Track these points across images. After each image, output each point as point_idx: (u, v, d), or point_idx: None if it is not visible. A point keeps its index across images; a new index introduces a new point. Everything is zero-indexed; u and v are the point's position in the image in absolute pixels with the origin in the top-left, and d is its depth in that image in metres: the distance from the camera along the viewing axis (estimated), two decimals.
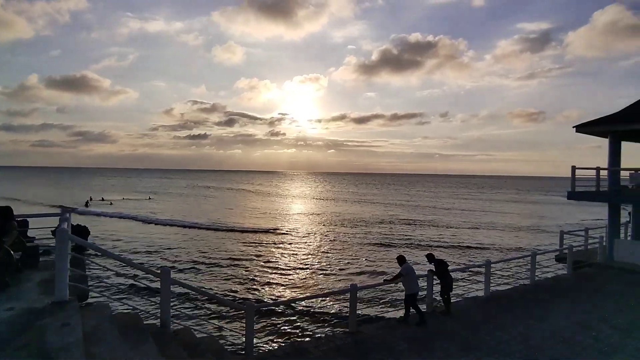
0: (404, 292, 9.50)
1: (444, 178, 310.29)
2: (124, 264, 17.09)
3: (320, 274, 21.81)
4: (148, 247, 27.73)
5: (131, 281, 16.95)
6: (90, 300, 7.94)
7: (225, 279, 19.85)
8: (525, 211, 62.89)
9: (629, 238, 17.92)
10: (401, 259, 9.45)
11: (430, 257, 10.03)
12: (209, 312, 14.31)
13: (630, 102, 17.44)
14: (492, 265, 12.18)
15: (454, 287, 10.19)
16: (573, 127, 17.65)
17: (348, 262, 24.62)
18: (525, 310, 10.36)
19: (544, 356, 7.73)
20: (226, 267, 22.20)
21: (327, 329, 12.90)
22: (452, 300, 10.22)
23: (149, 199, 70.59)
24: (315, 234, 36.86)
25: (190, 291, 14.79)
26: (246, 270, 21.69)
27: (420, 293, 9.47)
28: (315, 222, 45.16)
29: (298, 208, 62.38)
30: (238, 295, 17.13)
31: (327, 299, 15.17)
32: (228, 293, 17.50)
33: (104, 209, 50.57)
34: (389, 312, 14.32)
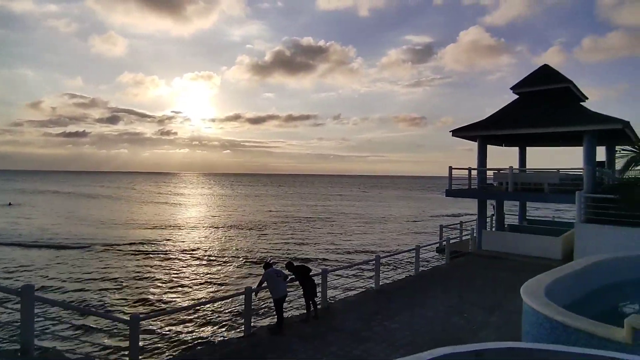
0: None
1: (339, 178, 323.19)
2: None
3: (213, 279, 21.02)
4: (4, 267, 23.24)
5: None
6: None
7: (105, 295, 17.88)
8: (412, 208, 68.56)
9: (493, 229, 20.65)
10: (266, 265, 9.24)
11: (288, 266, 9.66)
12: (88, 330, 12.85)
13: (494, 111, 20.11)
14: (381, 259, 12.98)
15: (318, 291, 9.85)
16: (450, 131, 19.77)
17: (241, 266, 24.10)
18: (410, 300, 11.24)
19: (425, 339, 8.45)
20: (105, 282, 20.01)
21: (221, 335, 12.48)
22: (318, 303, 9.95)
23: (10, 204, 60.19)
24: (204, 238, 35.44)
25: (63, 309, 13.17)
26: (129, 284, 19.81)
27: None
28: (204, 226, 43.25)
29: (186, 213, 59.08)
30: (122, 309, 15.70)
31: (221, 304, 14.63)
32: (110, 308, 15.92)
33: None
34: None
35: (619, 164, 15.62)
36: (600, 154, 19.98)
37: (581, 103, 19.34)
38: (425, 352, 2.92)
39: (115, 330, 12.09)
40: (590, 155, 16.34)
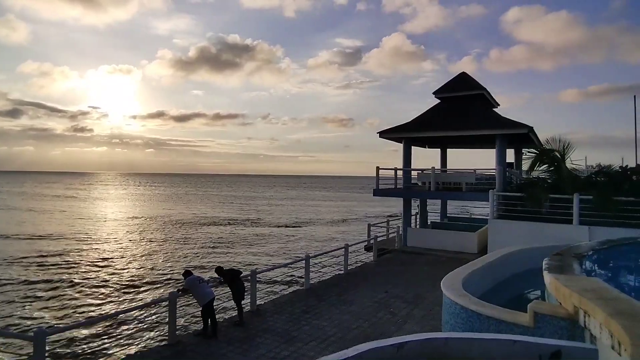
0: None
1: (269, 178, 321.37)
2: None
3: (136, 284, 19.77)
4: None
5: None
6: None
7: (7, 309, 16.03)
8: (341, 207, 70.14)
9: (418, 226, 21.75)
10: (186, 273, 8.99)
11: (217, 270, 9.59)
12: None
13: (417, 114, 21.19)
14: (311, 259, 13.06)
15: (245, 295, 9.61)
16: (377, 132, 20.48)
17: (163, 270, 22.92)
18: (338, 297, 11.43)
19: (353, 335, 8.63)
20: (9, 292, 17.99)
21: (144, 344, 11.75)
22: (245, 305, 9.78)
23: None
24: (123, 240, 33.27)
25: None
26: (37, 292, 17.99)
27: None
28: (122, 229, 40.62)
29: (102, 215, 55.21)
30: (27, 324, 14.16)
31: (142, 312, 13.75)
32: (11, 323, 14.29)
33: None
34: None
35: (525, 164, 17.22)
36: (510, 156, 21.95)
37: (494, 109, 21.08)
38: (350, 349, 2.94)
39: (17, 348, 10.83)
40: (501, 157, 17.83)
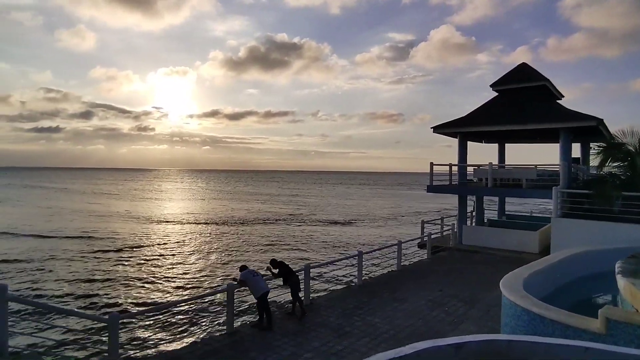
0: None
1: (321, 174, 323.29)
2: None
3: (194, 277, 20.82)
4: None
5: None
6: None
7: (85, 293, 17.52)
8: (394, 204, 69.20)
9: (473, 224, 21.02)
10: (242, 268, 9.29)
11: (272, 262, 9.79)
12: (65, 330, 12.55)
13: (474, 108, 20.40)
14: (364, 255, 13.06)
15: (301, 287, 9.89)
16: (431, 128, 19.98)
17: (225, 263, 23.96)
18: (391, 294, 11.35)
19: (406, 333, 8.56)
20: (86, 280, 19.64)
21: (204, 332, 12.38)
22: (302, 298, 9.91)
23: None
24: (188, 234, 35.08)
25: (38, 309, 12.81)
26: (110, 280, 19.51)
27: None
28: (189, 222, 42.88)
29: (167, 209, 58.48)
30: (102, 308, 15.41)
31: (202, 302, 14.46)
32: (91, 306, 15.62)
33: None
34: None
35: (593, 160, 16.05)
36: (576, 150, 20.55)
37: (557, 101, 19.81)
38: (406, 346, 2.94)
39: (94, 330, 11.84)
40: (566, 152, 16.75)
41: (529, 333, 4.98)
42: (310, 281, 11.08)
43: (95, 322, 11.58)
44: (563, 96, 20.63)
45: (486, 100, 20.22)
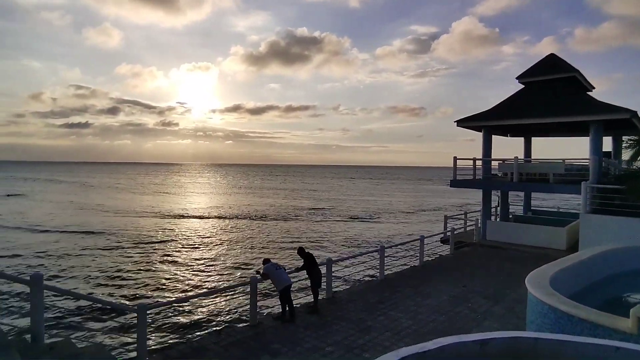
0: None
1: (342, 168, 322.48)
2: None
3: (219, 268, 21.22)
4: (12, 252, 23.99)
5: None
6: None
7: (113, 285, 18.14)
8: (416, 198, 68.47)
9: (498, 219, 20.61)
10: (265, 261, 9.36)
11: (300, 251, 9.94)
12: (96, 319, 13.04)
13: (496, 102, 19.93)
14: (385, 250, 13.01)
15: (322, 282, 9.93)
16: (455, 121, 19.64)
17: (248, 256, 24.29)
18: (414, 289, 11.29)
19: (428, 328, 8.51)
20: (114, 272, 20.29)
21: (227, 323, 12.62)
22: (321, 294, 9.96)
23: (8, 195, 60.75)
24: (215, 228, 35.71)
25: (71, 298, 13.34)
26: (136, 273, 20.10)
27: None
28: (212, 217, 43.59)
29: (199, 203, 59.73)
30: (129, 299, 15.90)
31: (227, 294, 14.73)
32: (118, 297, 16.14)
33: None
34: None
35: (626, 154, 15.46)
36: (607, 144, 19.83)
37: (587, 93, 19.14)
38: (430, 342, 2.94)
39: (123, 319, 12.25)
40: (596, 146, 16.20)
41: (555, 331, 4.89)
42: (332, 275, 11.13)
43: (125, 311, 11.97)
44: (594, 87, 19.92)
45: (512, 93, 19.73)
